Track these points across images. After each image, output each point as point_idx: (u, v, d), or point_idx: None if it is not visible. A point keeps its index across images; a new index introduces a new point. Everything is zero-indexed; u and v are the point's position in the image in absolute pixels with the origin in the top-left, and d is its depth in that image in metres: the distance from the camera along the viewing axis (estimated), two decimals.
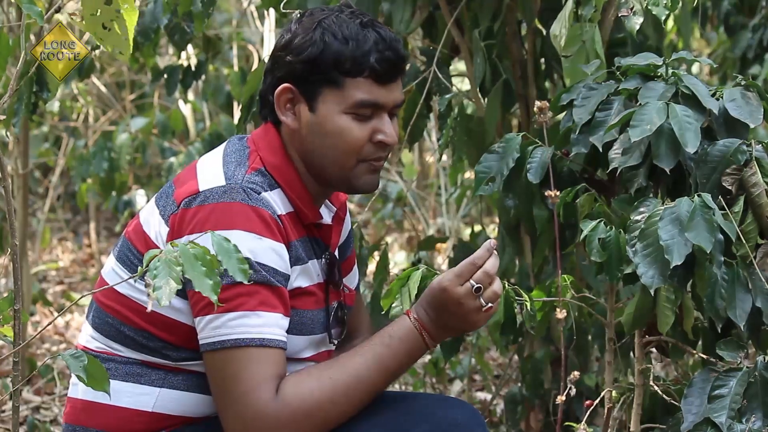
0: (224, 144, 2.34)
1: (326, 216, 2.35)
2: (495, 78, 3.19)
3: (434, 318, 2.20)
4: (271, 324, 2.15)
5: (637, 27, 2.55)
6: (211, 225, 2.15)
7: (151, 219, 2.25)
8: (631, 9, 2.56)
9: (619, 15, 2.58)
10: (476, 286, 2.17)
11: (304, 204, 2.28)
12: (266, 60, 2.36)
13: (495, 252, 2.20)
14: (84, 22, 2.18)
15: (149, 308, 1.84)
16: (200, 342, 2.17)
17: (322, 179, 2.30)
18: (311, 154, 2.28)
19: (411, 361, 2.21)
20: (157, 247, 2.19)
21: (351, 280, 2.49)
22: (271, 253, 2.18)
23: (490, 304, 2.18)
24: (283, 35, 2.30)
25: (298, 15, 2.32)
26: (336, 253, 2.41)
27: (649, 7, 2.54)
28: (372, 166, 2.29)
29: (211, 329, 2.15)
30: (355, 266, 2.53)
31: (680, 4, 2.54)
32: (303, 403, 2.14)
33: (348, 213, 2.50)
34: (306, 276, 2.28)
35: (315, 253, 2.32)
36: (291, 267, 2.23)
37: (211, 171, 2.24)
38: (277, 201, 2.24)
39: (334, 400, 2.15)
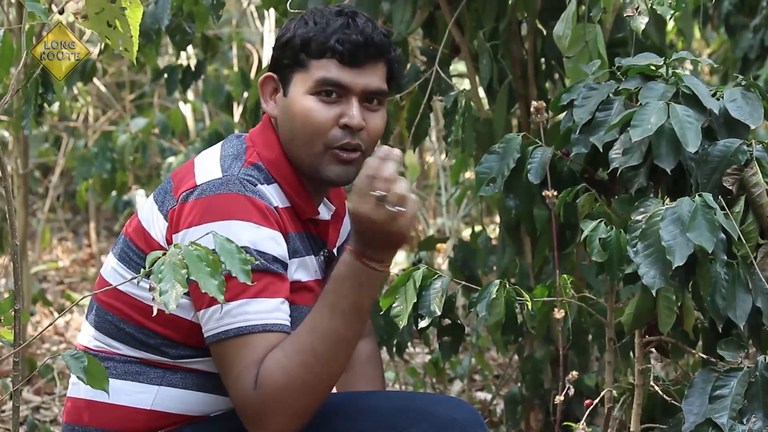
0: (222, 141, 2.35)
1: (324, 213, 2.35)
2: (501, 79, 3.18)
3: (363, 240, 2.14)
4: (271, 309, 2.15)
5: (643, 27, 2.55)
6: (209, 217, 2.16)
7: (151, 216, 2.26)
8: (636, 9, 2.55)
9: (624, 15, 2.58)
10: (379, 194, 2.10)
11: (300, 198, 2.29)
12: (266, 60, 2.38)
13: (391, 158, 2.11)
14: (88, 21, 2.18)
15: (154, 311, 1.84)
16: (205, 334, 2.17)
17: (300, 169, 2.29)
18: (288, 141, 2.29)
19: (365, 291, 2.15)
20: (158, 244, 2.21)
21: None
22: (269, 241, 2.18)
23: (399, 208, 2.11)
24: None
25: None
26: (335, 251, 2.41)
27: (654, 7, 2.53)
28: (339, 156, 2.26)
29: (216, 320, 2.15)
30: None
31: (684, 4, 2.53)
32: (273, 378, 2.12)
33: (348, 213, 2.50)
34: (304, 270, 2.28)
35: (313, 250, 2.32)
36: (290, 259, 2.23)
37: (208, 165, 2.25)
38: (273, 194, 2.25)
39: (302, 362, 2.12)
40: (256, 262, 2.11)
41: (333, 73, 2.25)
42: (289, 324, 2.17)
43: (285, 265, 2.21)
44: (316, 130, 2.25)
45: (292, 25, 2.31)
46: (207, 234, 1.94)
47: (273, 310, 2.15)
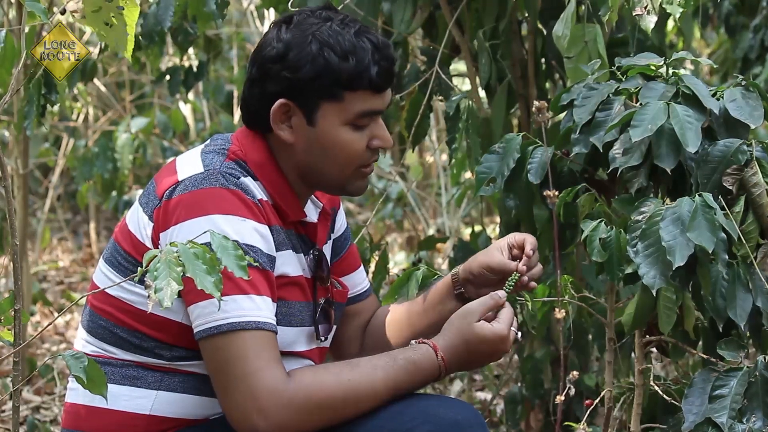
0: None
1: (312, 213, 2.35)
2: (499, 79, 3.18)
3: (463, 358, 2.25)
4: (263, 307, 2.15)
5: (652, 25, 2.55)
6: (195, 212, 2.16)
7: (136, 218, 2.25)
8: (645, 8, 2.54)
9: (633, 14, 2.57)
10: (519, 334, 2.31)
11: (285, 201, 2.28)
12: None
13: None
14: (85, 19, 2.18)
15: (150, 309, 1.84)
16: (196, 330, 2.16)
17: (315, 185, 2.32)
18: (308, 165, 2.28)
19: (421, 387, 2.26)
20: (143, 245, 2.21)
21: (354, 280, 2.49)
22: (255, 234, 2.18)
23: (519, 338, 2.34)
24: (270, 44, 2.26)
25: (281, 20, 2.28)
26: (328, 247, 2.41)
27: (663, 5, 2.53)
28: (364, 172, 2.31)
29: (206, 315, 2.14)
30: (361, 267, 2.53)
31: (692, 2, 2.53)
32: (319, 392, 2.15)
33: (342, 210, 2.49)
34: (291, 264, 2.28)
35: (302, 249, 2.32)
36: (276, 252, 2.23)
37: (189, 162, 2.25)
38: (257, 188, 2.24)
39: (346, 401, 2.16)
40: (249, 258, 2.11)
41: (369, 103, 2.25)
42: (276, 326, 2.18)
43: (272, 259, 2.21)
44: (353, 158, 2.27)
45: (313, 51, 2.22)
46: (201, 233, 1.95)
47: (263, 308, 2.15)
